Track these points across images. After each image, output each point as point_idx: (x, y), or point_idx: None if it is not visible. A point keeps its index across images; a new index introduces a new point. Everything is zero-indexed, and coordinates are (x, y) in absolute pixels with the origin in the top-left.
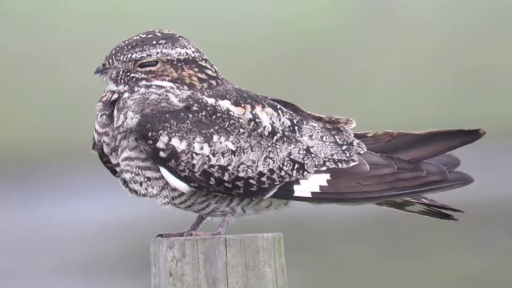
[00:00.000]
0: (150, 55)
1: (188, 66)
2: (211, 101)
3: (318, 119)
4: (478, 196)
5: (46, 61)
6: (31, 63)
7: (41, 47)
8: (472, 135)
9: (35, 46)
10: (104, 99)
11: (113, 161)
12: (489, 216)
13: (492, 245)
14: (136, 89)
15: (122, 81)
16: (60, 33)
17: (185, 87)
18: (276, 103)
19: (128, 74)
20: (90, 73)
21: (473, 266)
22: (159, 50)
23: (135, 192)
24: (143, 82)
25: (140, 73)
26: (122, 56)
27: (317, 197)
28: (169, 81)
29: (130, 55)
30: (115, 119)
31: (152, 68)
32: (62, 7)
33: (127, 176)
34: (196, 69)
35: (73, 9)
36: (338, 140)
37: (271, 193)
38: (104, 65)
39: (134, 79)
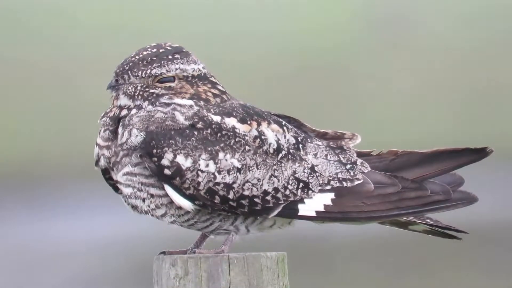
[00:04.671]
0: (169, 71)
1: (201, 82)
2: (216, 118)
3: (323, 134)
4: (487, 216)
5: (50, 75)
6: (37, 77)
7: (50, 61)
8: (479, 154)
9: (45, 59)
10: (110, 114)
11: (115, 177)
12: (497, 237)
13: (501, 266)
14: (157, 104)
15: (140, 96)
16: (71, 46)
17: (202, 103)
18: (280, 120)
19: (147, 89)
20: (94, 88)
21: (482, 287)
22: (177, 66)
23: (136, 208)
24: (165, 98)
25: (160, 89)
26: (140, 72)
27: (321, 216)
28: (188, 98)
29: (149, 70)
30: (119, 136)
31: (172, 84)
32: (74, 20)
33: (127, 191)
34: (209, 85)
35: (85, 23)
36: (342, 159)
37: (275, 212)
38: (117, 80)
39: (154, 95)
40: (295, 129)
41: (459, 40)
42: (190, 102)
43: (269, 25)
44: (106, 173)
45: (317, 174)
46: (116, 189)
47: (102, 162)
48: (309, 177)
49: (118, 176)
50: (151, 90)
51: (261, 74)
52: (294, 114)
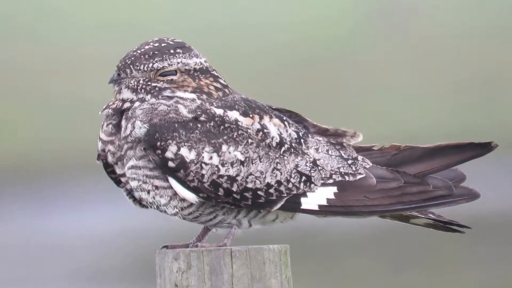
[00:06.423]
0: (171, 65)
1: (203, 75)
2: (219, 111)
3: (324, 130)
4: (490, 209)
5: (50, 72)
6: (34, 73)
7: (44, 57)
8: (483, 148)
9: (38, 56)
10: (113, 106)
11: (118, 171)
12: (499, 230)
13: (505, 259)
14: (160, 97)
15: (142, 90)
16: (63, 44)
17: (204, 97)
18: (281, 115)
19: (149, 83)
20: (93, 84)
21: (485, 281)
22: (179, 60)
23: (139, 202)
24: (168, 91)
25: (162, 82)
26: (142, 66)
27: (324, 210)
28: (191, 92)
29: (151, 64)
30: (123, 129)
31: (174, 78)
32: (73, 17)
33: (133, 184)
34: (211, 79)
35: (74, 20)
36: (343, 154)
37: (278, 205)
38: (119, 74)
39: (157, 88)
40: (296, 124)
41: (459, 30)
42: (193, 95)
43: (269, 16)
44: (108, 167)
45: (319, 168)
46: (118, 183)
47: (110, 159)
48: (312, 171)
49: (124, 170)
50: (153, 84)
51: (260, 66)
52: (294, 106)
